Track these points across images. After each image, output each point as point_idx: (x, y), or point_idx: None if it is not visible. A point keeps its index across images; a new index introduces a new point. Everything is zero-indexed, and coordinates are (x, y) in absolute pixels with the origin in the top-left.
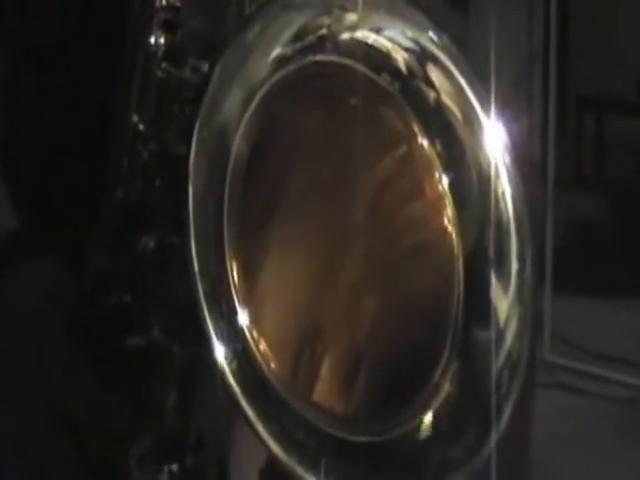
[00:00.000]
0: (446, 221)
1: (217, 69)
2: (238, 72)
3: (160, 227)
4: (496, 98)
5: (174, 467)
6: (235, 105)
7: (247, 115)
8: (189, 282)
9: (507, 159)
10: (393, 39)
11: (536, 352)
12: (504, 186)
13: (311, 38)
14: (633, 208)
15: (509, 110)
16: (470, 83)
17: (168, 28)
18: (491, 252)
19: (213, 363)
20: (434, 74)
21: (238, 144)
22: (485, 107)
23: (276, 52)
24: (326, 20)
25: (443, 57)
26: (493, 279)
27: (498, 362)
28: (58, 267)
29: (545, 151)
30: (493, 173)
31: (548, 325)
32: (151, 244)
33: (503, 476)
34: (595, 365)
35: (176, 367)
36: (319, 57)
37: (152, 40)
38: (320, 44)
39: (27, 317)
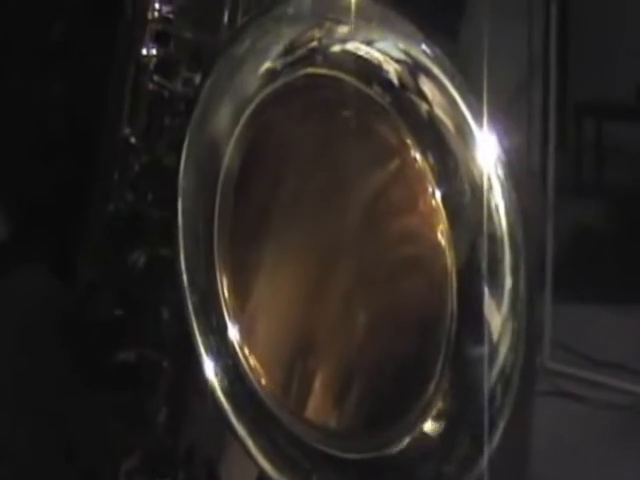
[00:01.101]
0: (439, 235)
1: (207, 82)
2: (228, 85)
3: (151, 240)
4: (490, 110)
5: None
6: (226, 118)
7: (238, 128)
8: (179, 296)
9: (501, 172)
10: (384, 51)
11: (536, 360)
12: (497, 200)
13: (301, 51)
14: (634, 215)
15: (503, 122)
16: (463, 95)
17: (160, 40)
18: (484, 267)
19: (203, 379)
20: (426, 86)
21: (229, 157)
22: (478, 120)
23: (266, 66)
24: (317, 33)
25: (435, 69)
26: (486, 294)
27: (491, 377)
28: (50, 277)
29: (545, 158)
30: (486, 186)
31: (548, 332)
32: (142, 257)
33: None
34: (596, 372)
35: (166, 382)
36: (310, 70)
37: (144, 52)
38: (310, 57)
39: (18, 326)
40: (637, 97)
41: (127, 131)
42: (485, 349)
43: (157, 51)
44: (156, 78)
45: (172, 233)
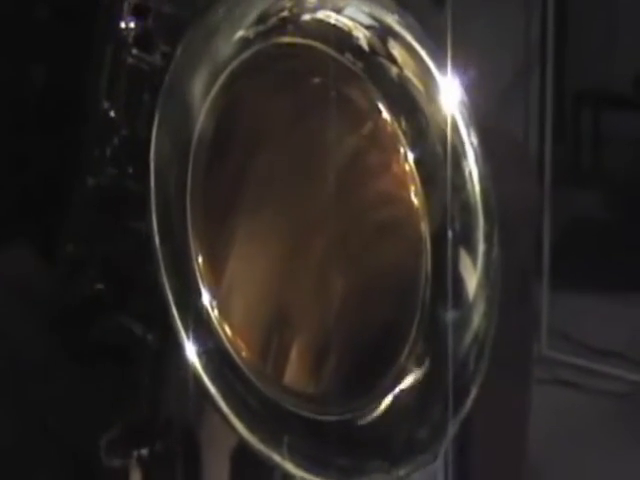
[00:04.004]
0: (413, 198)
1: (179, 49)
2: (202, 53)
3: (132, 214)
4: (485, 94)
5: (144, 452)
6: (199, 86)
7: (210, 96)
8: (155, 273)
9: (474, 139)
10: (354, 18)
11: (533, 347)
12: (471, 166)
13: (273, 20)
14: (630, 202)
15: (478, 83)
16: (432, 57)
17: (138, 13)
18: (457, 228)
19: (183, 353)
20: (396, 50)
21: (201, 125)
22: (446, 78)
23: (239, 35)
24: (288, 2)
25: (404, 33)
26: (460, 259)
27: (464, 342)
28: (31, 254)
29: (542, 146)
30: (460, 151)
31: (545, 320)
32: (124, 231)
33: (494, 473)
34: (593, 360)
35: (149, 356)
36: (282, 39)
37: (122, 25)
38: (282, 26)
39: (2, 310)
40: (635, 86)
41: (106, 105)
42: (450, 310)
43: (136, 25)
44: (135, 52)
45: (146, 207)
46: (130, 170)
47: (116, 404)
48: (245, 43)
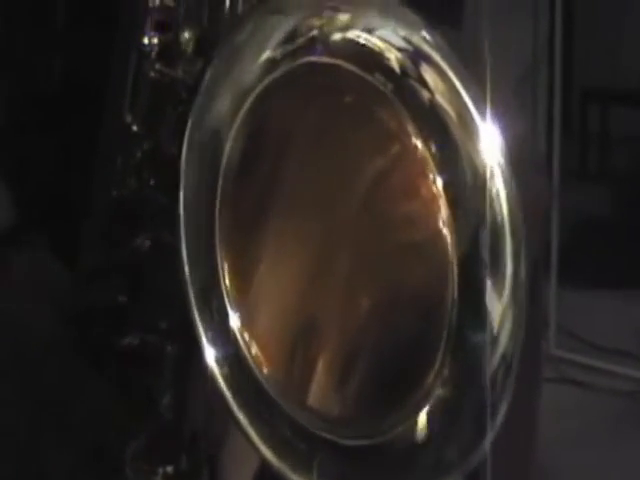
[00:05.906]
0: (440, 222)
1: (208, 70)
2: (229, 74)
3: (154, 226)
4: (493, 97)
5: (169, 469)
6: (227, 106)
7: (239, 116)
8: (180, 285)
9: (502, 160)
10: (386, 39)
11: (541, 346)
12: (499, 187)
13: (301, 40)
14: (638, 201)
15: (505, 108)
16: (464, 83)
17: (161, 28)
18: (486, 254)
19: (204, 367)
20: (428, 74)
21: (230, 145)
22: (480, 108)
23: (266, 55)
24: (317, 21)
25: (437, 57)
26: (488, 282)
27: (492, 364)
28: (52, 264)
29: (550, 144)
30: (488, 174)
31: (553, 319)
32: (145, 243)
33: (502, 473)
34: (601, 359)
35: (170, 367)
36: (310, 59)
37: (145, 40)
38: (311, 46)
39: (19, 312)
40: None
41: (129, 118)
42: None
43: (158, 39)
44: (158, 66)
45: (174, 222)
46: (152, 182)
47: (139, 417)
48: (271, 65)
